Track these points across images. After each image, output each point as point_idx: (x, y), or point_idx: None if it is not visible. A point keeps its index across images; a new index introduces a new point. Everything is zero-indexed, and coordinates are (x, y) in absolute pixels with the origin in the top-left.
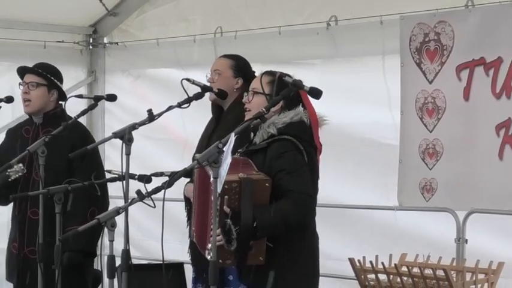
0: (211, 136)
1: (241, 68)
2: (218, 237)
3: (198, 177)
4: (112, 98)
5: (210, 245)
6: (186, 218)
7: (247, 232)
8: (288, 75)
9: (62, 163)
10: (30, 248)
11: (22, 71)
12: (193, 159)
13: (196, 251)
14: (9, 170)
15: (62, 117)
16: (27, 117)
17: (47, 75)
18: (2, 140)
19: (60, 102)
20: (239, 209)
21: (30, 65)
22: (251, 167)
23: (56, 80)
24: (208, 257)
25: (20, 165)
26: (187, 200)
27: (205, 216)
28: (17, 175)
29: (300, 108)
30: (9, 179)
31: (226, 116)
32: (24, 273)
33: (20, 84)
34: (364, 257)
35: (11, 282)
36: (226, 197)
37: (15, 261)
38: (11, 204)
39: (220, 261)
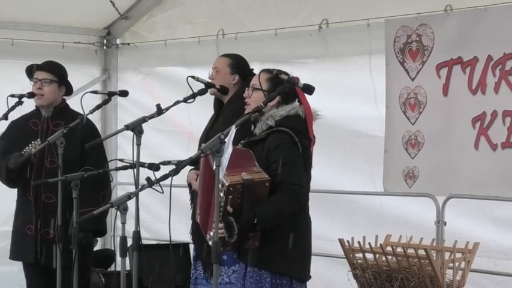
0: (211, 129)
1: (238, 65)
2: (220, 231)
3: (204, 166)
4: (124, 93)
5: (212, 233)
6: (190, 201)
7: (248, 227)
8: (284, 73)
9: (74, 152)
10: (45, 230)
11: (31, 69)
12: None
13: (197, 232)
14: (24, 150)
15: (68, 111)
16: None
17: (59, 73)
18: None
19: (64, 97)
20: (241, 207)
21: None
22: (252, 160)
23: (64, 77)
24: (210, 242)
25: (38, 141)
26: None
27: (209, 202)
28: (30, 151)
29: (296, 103)
30: (24, 156)
31: (224, 111)
32: (41, 252)
33: (33, 79)
34: (352, 238)
35: (19, 260)
36: (230, 197)
37: (31, 241)
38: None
39: (221, 248)
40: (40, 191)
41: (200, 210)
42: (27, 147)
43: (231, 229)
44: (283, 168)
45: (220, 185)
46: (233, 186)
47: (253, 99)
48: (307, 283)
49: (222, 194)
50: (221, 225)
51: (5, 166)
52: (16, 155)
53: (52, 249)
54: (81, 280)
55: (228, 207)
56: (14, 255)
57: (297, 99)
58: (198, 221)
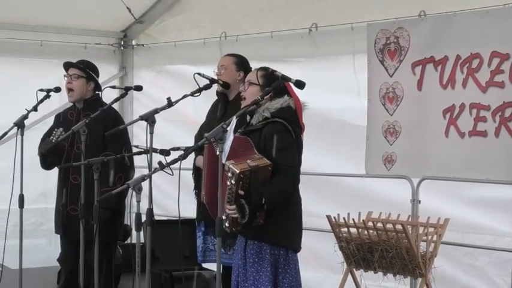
0: (221, 120)
1: (242, 63)
2: (232, 212)
3: (208, 152)
4: (139, 88)
5: (225, 214)
6: (194, 183)
7: (257, 207)
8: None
9: (97, 139)
10: (71, 207)
11: (67, 66)
12: (201, 137)
13: (204, 210)
14: (51, 137)
15: (99, 104)
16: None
17: (85, 69)
18: (51, 124)
19: (96, 92)
20: (249, 190)
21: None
22: (252, 148)
23: (92, 74)
24: (225, 222)
25: (60, 129)
26: (195, 168)
27: (215, 184)
28: (57, 138)
29: (286, 96)
30: (52, 142)
31: (232, 105)
32: (68, 226)
33: (64, 76)
34: (338, 215)
35: (59, 234)
36: (240, 182)
37: (62, 217)
38: (56, 172)
39: (233, 229)
40: (69, 173)
41: (206, 194)
42: (52, 135)
43: (243, 210)
44: (280, 153)
45: (230, 173)
46: (243, 173)
47: (249, 93)
48: (299, 254)
49: (233, 181)
50: (234, 206)
51: (39, 152)
52: (46, 141)
53: (77, 223)
54: (104, 253)
55: (240, 191)
56: (55, 229)
57: (286, 94)
58: (205, 202)
